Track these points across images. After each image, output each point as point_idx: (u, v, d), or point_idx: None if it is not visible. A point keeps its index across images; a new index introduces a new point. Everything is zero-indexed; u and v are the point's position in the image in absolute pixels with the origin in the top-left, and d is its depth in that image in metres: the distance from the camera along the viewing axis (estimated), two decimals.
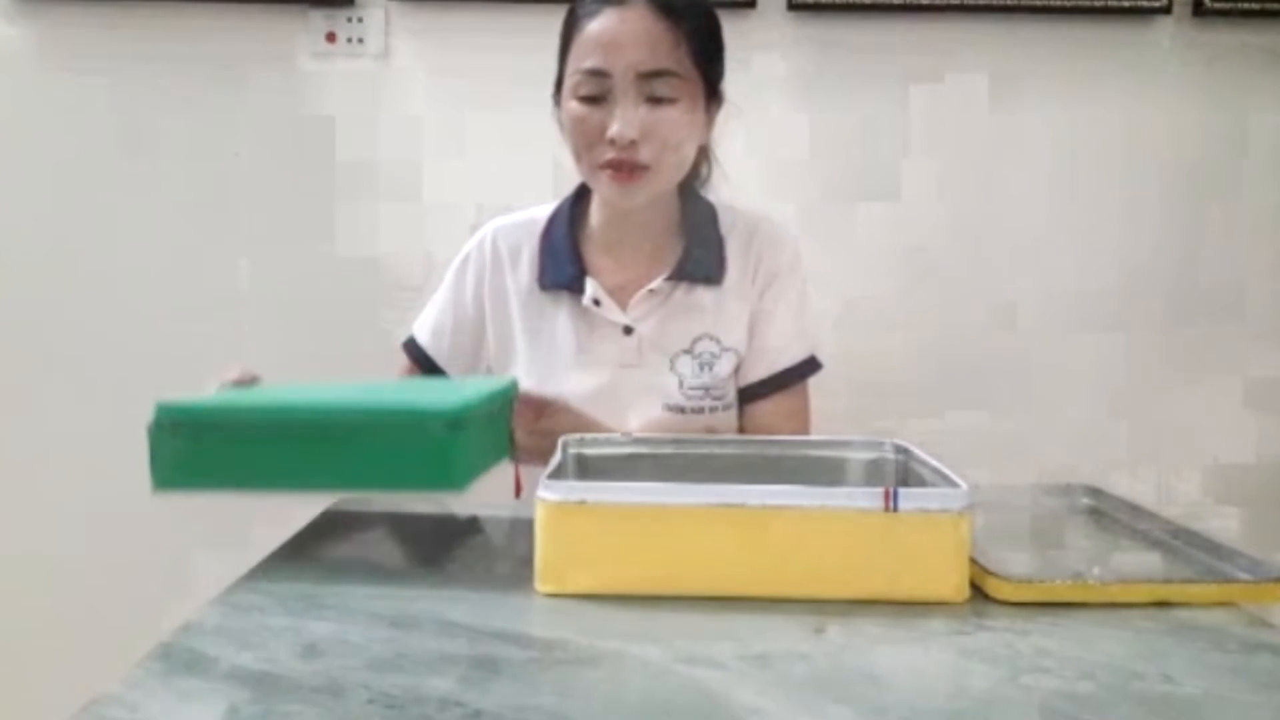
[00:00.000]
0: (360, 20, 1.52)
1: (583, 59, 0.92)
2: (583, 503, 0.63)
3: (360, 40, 1.52)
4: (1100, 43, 1.52)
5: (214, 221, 1.56)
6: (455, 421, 0.65)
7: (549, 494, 0.63)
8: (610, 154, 0.91)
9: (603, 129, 0.91)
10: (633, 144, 0.90)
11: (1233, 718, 0.49)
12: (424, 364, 1.07)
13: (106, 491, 1.52)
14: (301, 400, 0.67)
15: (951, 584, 0.63)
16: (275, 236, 1.56)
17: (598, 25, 0.91)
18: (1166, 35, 1.52)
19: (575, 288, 1.00)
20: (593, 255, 1.02)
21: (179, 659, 0.53)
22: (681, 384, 0.99)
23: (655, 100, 0.91)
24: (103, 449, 1.55)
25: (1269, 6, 1.49)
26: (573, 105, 0.93)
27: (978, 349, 1.55)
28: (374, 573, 0.66)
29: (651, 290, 0.99)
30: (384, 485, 0.65)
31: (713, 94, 0.97)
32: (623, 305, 1.00)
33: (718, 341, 1.00)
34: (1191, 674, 0.54)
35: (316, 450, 0.65)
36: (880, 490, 0.63)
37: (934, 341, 1.54)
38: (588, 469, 0.78)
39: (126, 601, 1.33)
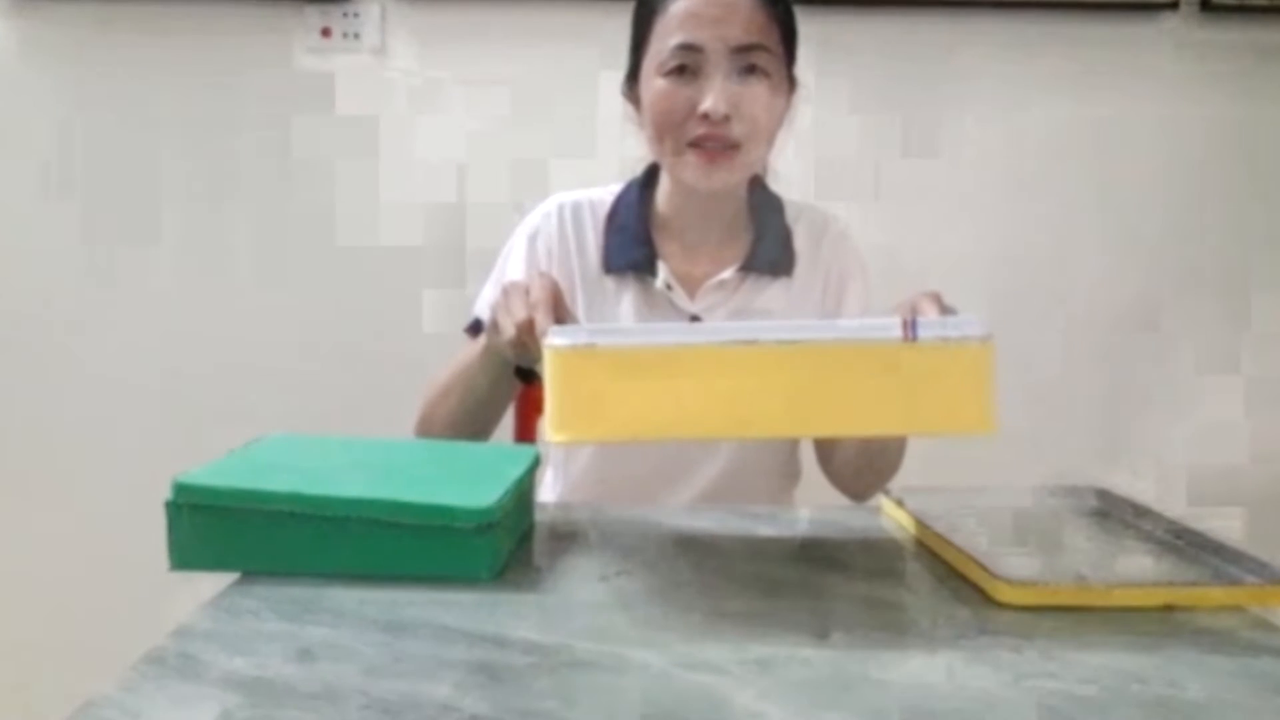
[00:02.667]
0: (356, 15, 1.51)
1: (671, 35, 0.90)
2: (592, 347, 0.60)
3: (356, 35, 1.51)
4: (1107, 39, 1.51)
5: (210, 217, 1.55)
6: (485, 524, 0.65)
7: (558, 340, 0.61)
8: (700, 130, 0.89)
9: (692, 105, 0.89)
10: (725, 119, 0.88)
11: None
12: None
13: (99, 493, 1.52)
14: (326, 488, 0.66)
15: (975, 414, 0.60)
16: (272, 231, 1.55)
17: (687, 2, 0.90)
18: (1173, 31, 1.51)
19: (644, 270, 0.98)
20: (660, 241, 1.00)
21: (172, 663, 0.52)
22: None
23: (748, 74, 0.89)
24: (99, 450, 1.55)
25: (1276, 2, 1.48)
26: (659, 82, 0.91)
27: None
28: (368, 576, 0.65)
29: (722, 281, 0.98)
30: (408, 574, 0.65)
31: (789, 78, 0.96)
32: (690, 294, 0.99)
33: None
34: (1196, 678, 0.53)
35: (340, 540, 0.65)
36: (898, 321, 0.60)
37: None
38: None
39: (119, 605, 1.33)
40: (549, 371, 0.61)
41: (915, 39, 1.51)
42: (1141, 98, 1.53)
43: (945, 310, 0.79)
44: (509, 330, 0.76)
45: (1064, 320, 1.56)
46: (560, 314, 0.76)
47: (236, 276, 1.56)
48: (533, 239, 1.02)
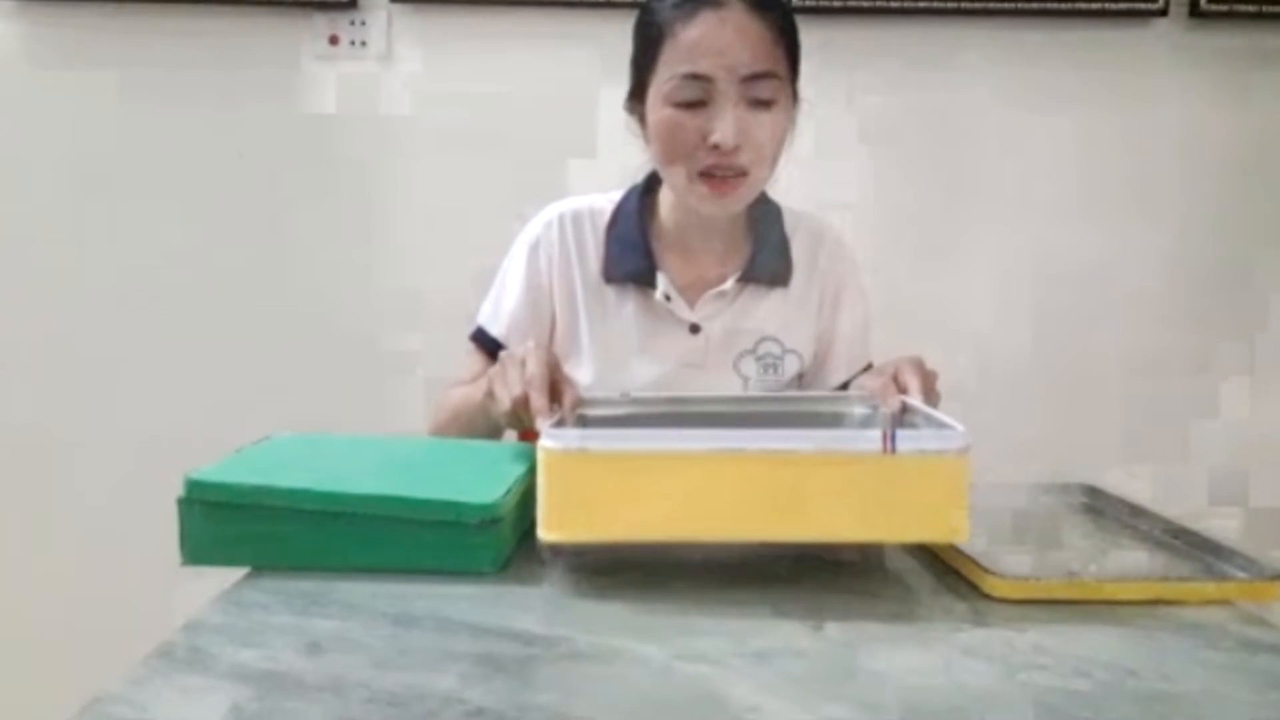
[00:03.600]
0: (363, 23, 1.52)
1: (679, 63, 0.89)
2: (584, 450, 0.62)
3: (363, 43, 1.53)
4: (1097, 45, 1.52)
5: (216, 223, 1.56)
6: (491, 518, 0.66)
7: (551, 442, 0.63)
8: (710, 160, 0.89)
9: (701, 135, 0.89)
10: (735, 149, 0.89)
11: (1228, 716, 0.50)
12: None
13: (107, 488, 1.53)
14: (334, 484, 0.67)
15: (951, 525, 0.63)
16: (277, 238, 1.56)
17: (696, 29, 0.88)
18: (1163, 37, 1.52)
19: (644, 281, 0.99)
20: (661, 251, 1.01)
21: (181, 657, 0.53)
22: (746, 385, 1.00)
23: (755, 103, 0.89)
24: (103, 447, 1.56)
25: (1265, 9, 1.49)
26: (667, 111, 0.90)
27: (975, 348, 1.55)
28: (375, 570, 0.66)
29: (721, 291, 0.99)
30: (414, 568, 0.66)
31: (794, 93, 0.96)
32: (690, 303, 1.00)
33: (780, 344, 1.01)
34: (1187, 672, 0.54)
35: (348, 535, 0.66)
36: (878, 433, 0.62)
37: (931, 340, 1.54)
38: (589, 429, 0.78)
39: (129, 599, 1.34)
40: (542, 472, 0.64)
41: (908, 47, 1.52)
42: (1131, 103, 1.54)
43: (927, 376, 0.81)
44: (505, 403, 0.77)
45: (1060, 320, 1.56)
46: (557, 387, 0.76)
47: (241, 278, 1.57)
48: (534, 249, 1.03)
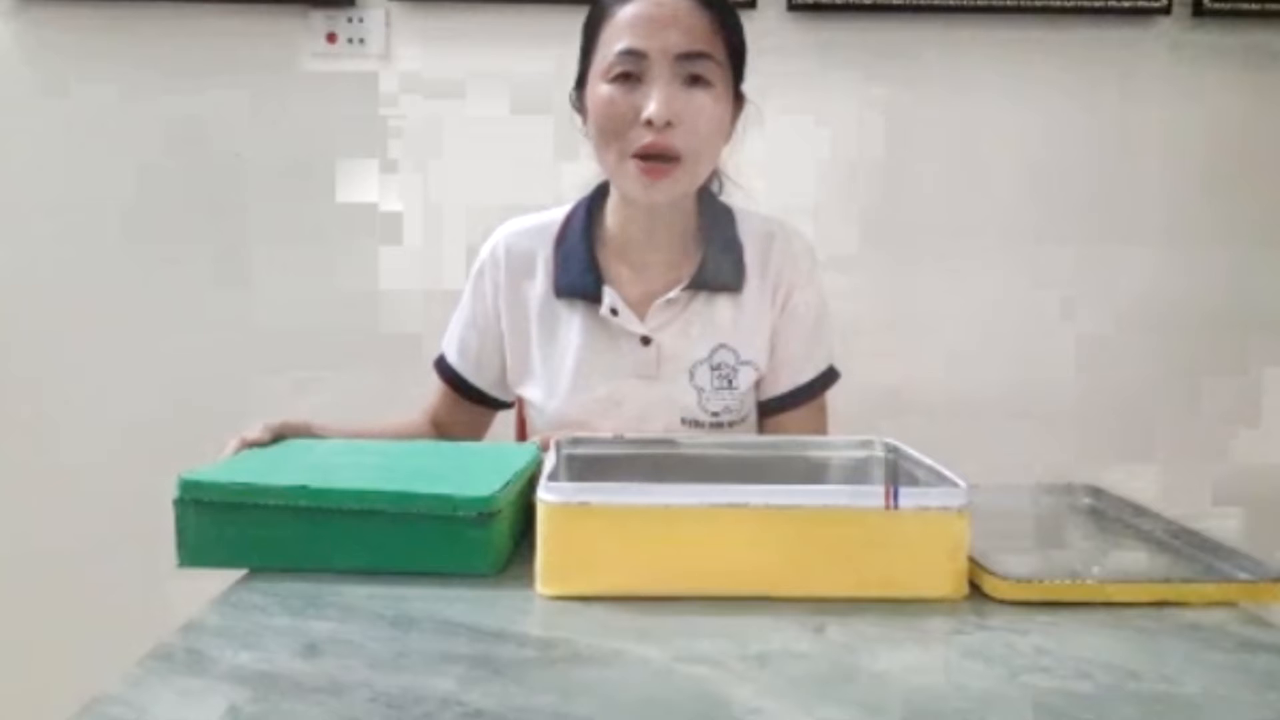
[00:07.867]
0: (361, 21, 1.52)
1: (616, 41, 0.89)
2: (585, 504, 0.62)
3: (361, 41, 1.52)
4: (1100, 44, 1.52)
5: (215, 222, 1.56)
6: (487, 513, 0.66)
7: (551, 496, 0.63)
8: (645, 138, 0.88)
9: (635, 112, 0.88)
10: (668, 126, 0.87)
11: (1231, 717, 0.49)
12: (456, 382, 1.05)
13: (106, 490, 1.53)
14: (330, 481, 0.67)
15: (950, 581, 0.63)
16: (276, 237, 1.56)
17: (633, 8, 0.89)
18: (1166, 36, 1.52)
19: (592, 296, 0.97)
20: (609, 263, 0.99)
21: (179, 658, 0.53)
22: (700, 397, 0.97)
23: (691, 83, 0.88)
24: (103, 449, 1.56)
25: (1268, 7, 1.49)
26: (603, 88, 0.89)
27: (976, 348, 1.55)
28: (373, 571, 0.66)
29: (670, 300, 0.97)
30: (413, 568, 0.66)
31: (736, 93, 0.95)
32: (640, 315, 0.97)
33: (735, 353, 0.98)
34: (1190, 673, 0.54)
35: (345, 533, 0.66)
36: (881, 489, 0.63)
37: (933, 340, 1.55)
38: (581, 470, 0.78)
39: (127, 600, 1.34)
40: (541, 526, 0.63)
41: (909, 46, 1.52)
42: (1135, 101, 1.53)
43: None
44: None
45: (1058, 321, 1.56)
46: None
47: (240, 279, 1.56)
48: (479, 276, 1.03)
